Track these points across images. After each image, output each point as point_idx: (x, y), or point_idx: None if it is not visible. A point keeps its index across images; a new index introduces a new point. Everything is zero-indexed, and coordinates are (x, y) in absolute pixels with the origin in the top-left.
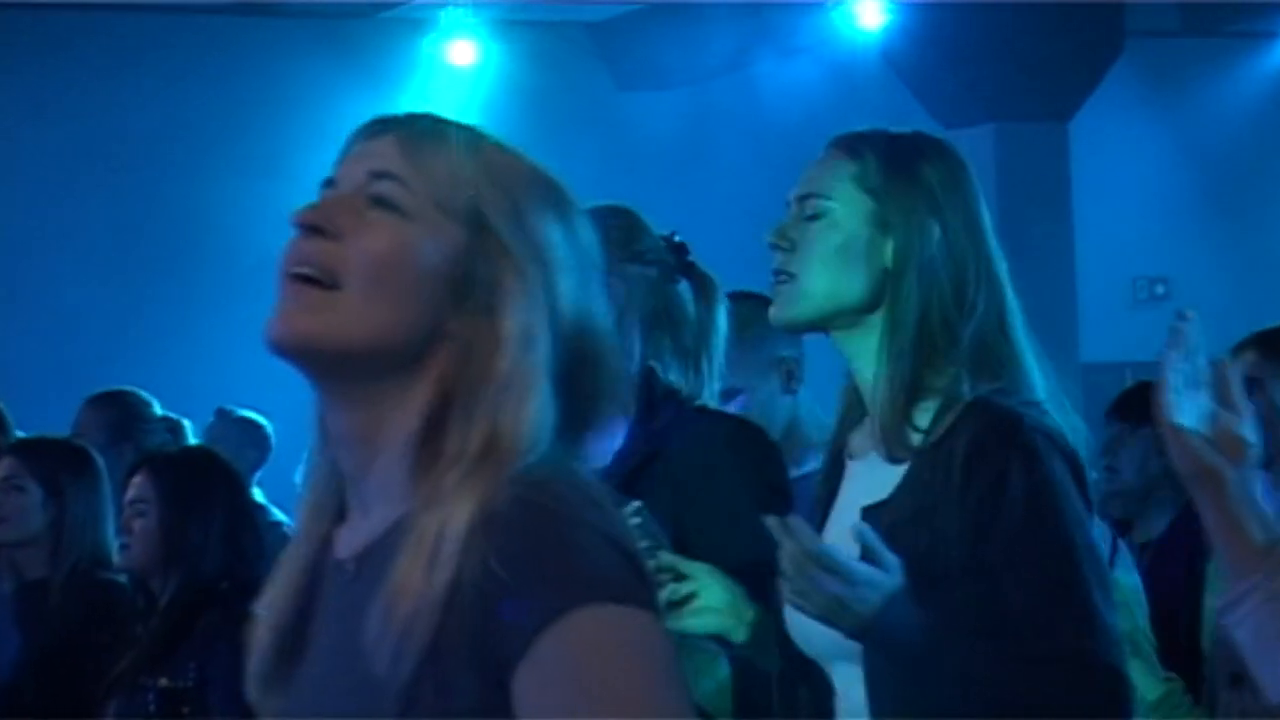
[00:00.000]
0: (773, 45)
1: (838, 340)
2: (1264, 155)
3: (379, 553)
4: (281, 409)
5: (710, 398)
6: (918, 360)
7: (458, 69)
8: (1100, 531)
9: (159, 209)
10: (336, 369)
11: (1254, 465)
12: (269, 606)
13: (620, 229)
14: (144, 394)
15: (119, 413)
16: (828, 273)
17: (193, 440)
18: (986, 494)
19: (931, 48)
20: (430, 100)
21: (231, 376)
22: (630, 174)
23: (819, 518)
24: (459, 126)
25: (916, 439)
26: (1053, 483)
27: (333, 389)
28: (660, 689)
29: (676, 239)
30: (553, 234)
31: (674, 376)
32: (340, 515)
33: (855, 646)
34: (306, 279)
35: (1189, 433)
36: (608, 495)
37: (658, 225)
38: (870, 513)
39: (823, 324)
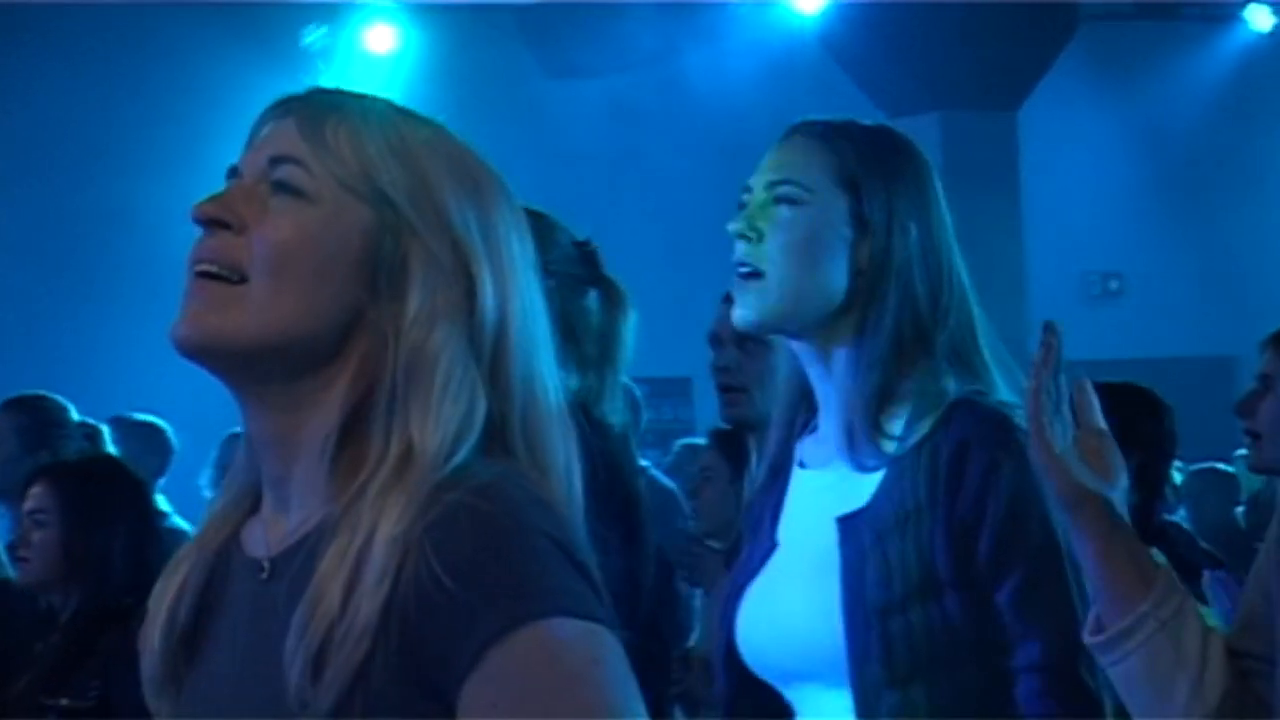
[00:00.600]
0: (708, 31)
1: (799, 346)
2: (1221, 143)
3: (299, 555)
4: (213, 411)
5: (613, 412)
6: (891, 368)
7: (376, 56)
8: None
9: (72, 204)
10: (249, 368)
11: (1123, 488)
12: (164, 604)
13: None
14: (60, 399)
15: (34, 419)
16: (800, 270)
17: (112, 449)
18: (976, 489)
19: (872, 32)
20: (348, 88)
21: (149, 379)
22: (558, 164)
23: (764, 529)
24: (366, 99)
25: (890, 446)
26: (1039, 485)
27: (248, 390)
28: (613, 704)
29: (590, 246)
30: (467, 213)
31: (575, 385)
32: (250, 512)
33: (822, 665)
34: (212, 275)
35: (1069, 460)
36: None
37: (585, 217)
38: (848, 521)
39: (789, 327)
